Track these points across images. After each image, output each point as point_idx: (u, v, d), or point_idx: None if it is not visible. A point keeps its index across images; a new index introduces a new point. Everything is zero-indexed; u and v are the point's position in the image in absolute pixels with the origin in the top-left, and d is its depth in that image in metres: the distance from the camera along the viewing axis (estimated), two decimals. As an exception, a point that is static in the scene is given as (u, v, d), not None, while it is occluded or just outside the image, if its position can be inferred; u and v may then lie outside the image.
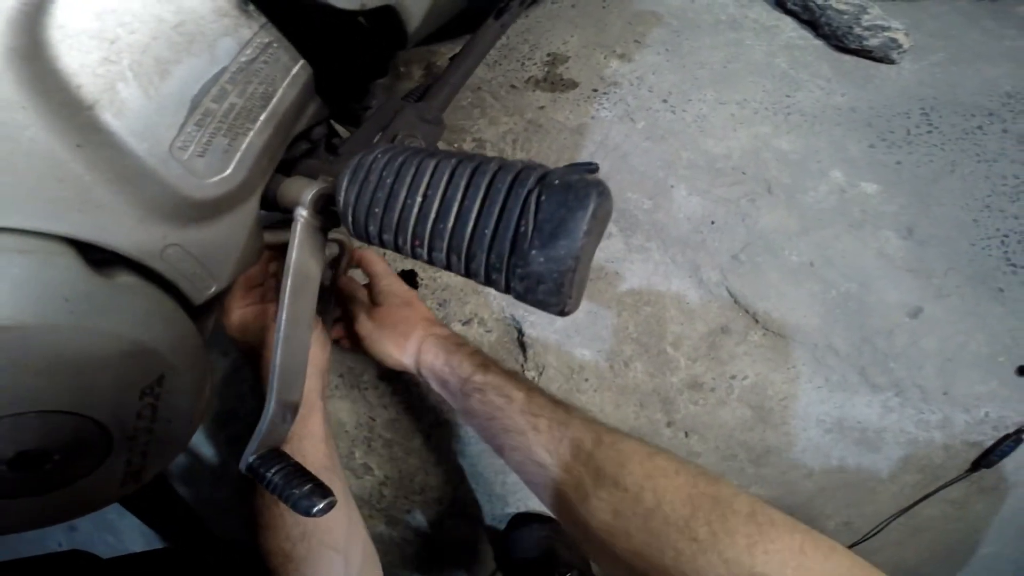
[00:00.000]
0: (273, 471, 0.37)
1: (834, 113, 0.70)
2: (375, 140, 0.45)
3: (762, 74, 0.74)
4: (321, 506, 0.37)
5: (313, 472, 0.47)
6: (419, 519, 0.74)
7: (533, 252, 0.23)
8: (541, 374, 0.69)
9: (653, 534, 0.33)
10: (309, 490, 0.37)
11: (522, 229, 0.23)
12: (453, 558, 0.76)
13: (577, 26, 0.84)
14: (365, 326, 0.54)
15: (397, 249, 0.29)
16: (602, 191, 0.23)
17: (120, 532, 0.86)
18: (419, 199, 0.27)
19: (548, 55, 0.82)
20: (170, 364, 0.32)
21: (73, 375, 0.28)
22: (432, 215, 0.26)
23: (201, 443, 0.79)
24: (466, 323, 0.71)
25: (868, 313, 0.61)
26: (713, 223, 0.65)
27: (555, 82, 0.79)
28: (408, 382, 0.72)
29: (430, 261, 0.28)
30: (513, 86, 0.80)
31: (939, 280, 0.61)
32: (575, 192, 0.23)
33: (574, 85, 0.78)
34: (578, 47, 0.81)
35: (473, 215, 0.25)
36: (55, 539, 0.84)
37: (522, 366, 0.70)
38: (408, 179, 0.28)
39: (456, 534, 0.74)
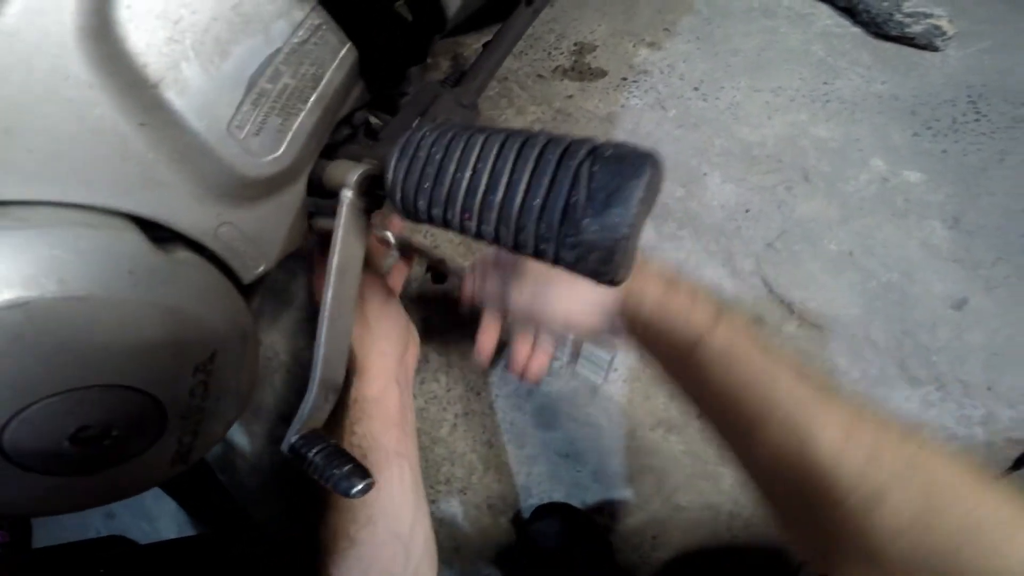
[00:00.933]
0: (314, 452, 0.38)
1: (875, 101, 0.68)
2: (414, 125, 0.46)
3: (798, 62, 0.72)
4: (360, 487, 0.37)
5: (383, 456, 0.46)
6: (444, 509, 0.75)
7: (586, 221, 0.23)
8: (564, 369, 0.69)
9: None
10: (349, 471, 0.37)
11: (574, 199, 0.23)
12: (477, 548, 0.76)
13: (604, 15, 0.83)
14: (524, 293, 0.43)
15: (445, 223, 0.29)
16: (655, 162, 0.23)
17: (155, 519, 0.89)
18: (468, 173, 0.27)
19: (575, 44, 0.81)
20: (223, 341, 0.33)
21: (134, 349, 0.29)
22: (482, 188, 0.27)
23: (235, 432, 0.81)
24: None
25: (910, 305, 0.60)
26: (748, 211, 0.64)
27: (583, 71, 0.79)
28: (437, 370, 0.72)
29: (478, 234, 0.28)
30: (540, 75, 0.80)
31: (987, 271, 0.59)
32: (629, 162, 0.23)
33: (603, 74, 0.78)
34: (606, 36, 0.81)
35: (523, 186, 0.25)
36: (94, 526, 0.87)
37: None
38: (457, 154, 0.28)
39: (480, 525, 0.74)
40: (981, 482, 0.27)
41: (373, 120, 0.50)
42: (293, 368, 0.78)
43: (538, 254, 0.26)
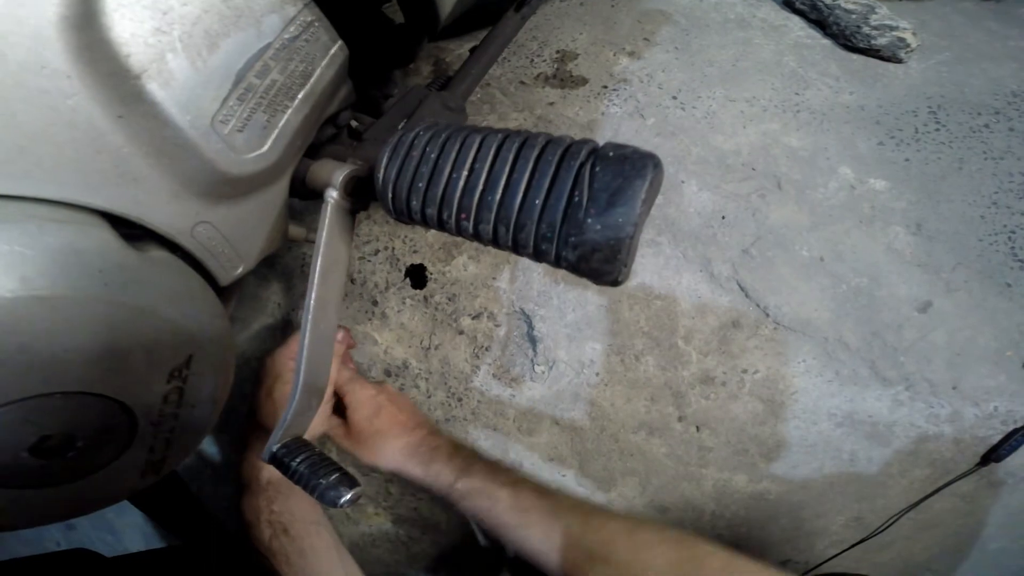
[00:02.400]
0: (298, 460, 0.36)
1: (843, 111, 0.71)
2: (399, 127, 0.45)
3: (771, 72, 0.75)
4: (348, 496, 0.36)
5: (303, 527, 0.53)
6: (425, 516, 0.73)
7: (589, 221, 0.23)
8: (551, 369, 0.69)
9: None
10: (336, 480, 0.36)
11: (576, 199, 0.23)
12: (459, 556, 0.75)
13: (586, 24, 0.84)
14: (343, 441, 0.58)
15: (440, 224, 0.28)
16: (657, 163, 0.23)
17: (119, 531, 0.84)
18: (465, 172, 0.27)
19: (557, 52, 0.82)
20: (199, 344, 0.31)
21: (103, 352, 0.28)
22: (479, 187, 0.26)
23: (205, 441, 0.77)
24: (475, 317, 0.71)
25: (878, 307, 0.62)
26: (724, 218, 0.66)
27: (564, 79, 0.80)
28: (416, 376, 0.71)
29: (475, 234, 0.27)
30: (522, 82, 0.80)
31: (948, 275, 0.62)
32: (632, 163, 0.23)
33: (584, 82, 0.79)
34: (587, 44, 0.82)
35: (523, 186, 0.25)
36: (53, 538, 0.81)
37: (532, 361, 0.70)
38: (453, 153, 0.28)
39: (462, 532, 0.73)
40: None
41: (354, 122, 0.49)
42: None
43: (538, 254, 0.25)
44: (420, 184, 0.28)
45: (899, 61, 0.73)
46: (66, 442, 0.29)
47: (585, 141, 0.25)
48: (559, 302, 0.67)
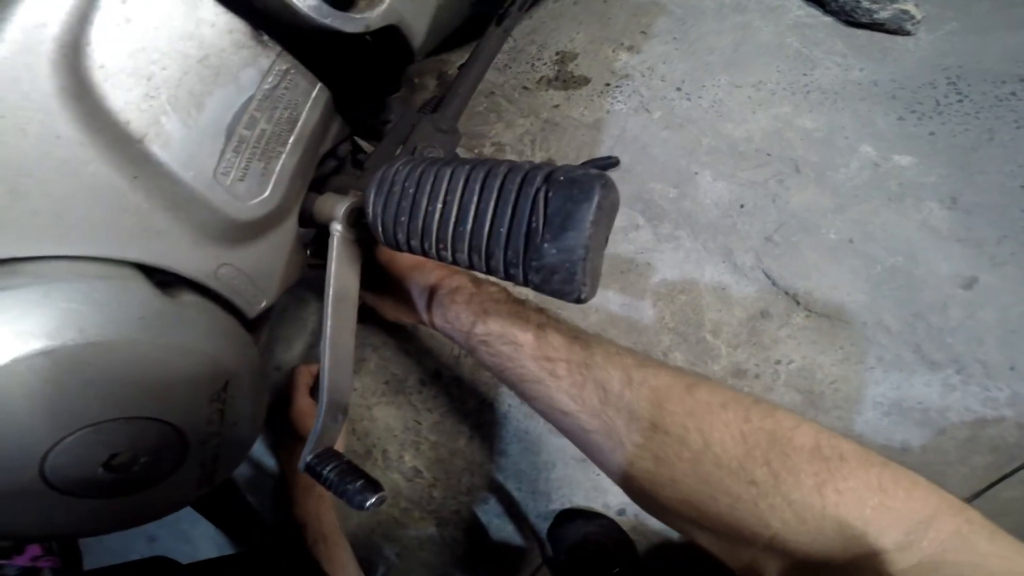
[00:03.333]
0: (328, 469, 0.40)
1: (855, 88, 0.67)
2: (396, 153, 0.48)
3: (774, 55, 0.72)
4: (373, 500, 0.39)
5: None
6: (467, 519, 0.76)
7: (545, 245, 0.24)
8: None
9: (703, 480, 0.29)
10: (362, 486, 0.39)
11: (534, 225, 0.25)
12: (501, 557, 0.77)
13: (581, 23, 0.84)
14: (367, 296, 0.52)
15: (424, 253, 0.31)
16: (605, 183, 0.24)
17: (195, 541, 0.93)
18: (439, 205, 0.29)
19: (557, 54, 0.83)
20: (233, 372, 0.35)
21: (151, 384, 0.32)
22: (452, 219, 0.28)
23: (262, 453, 0.84)
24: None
25: (918, 287, 0.59)
26: (743, 207, 0.64)
27: (567, 80, 0.80)
28: (449, 384, 0.74)
29: (454, 262, 0.29)
30: (526, 87, 0.82)
31: (992, 248, 0.57)
32: (579, 186, 0.24)
33: (586, 81, 0.79)
34: (585, 43, 0.82)
35: (489, 216, 0.27)
36: (137, 549, 0.91)
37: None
38: (428, 187, 0.30)
39: (503, 533, 0.75)
40: None
41: (362, 147, 0.52)
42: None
43: (509, 277, 0.27)
44: (403, 218, 0.31)
45: (907, 33, 0.69)
46: (132, 459, 0.34)
47: (541, 167, 0.26)
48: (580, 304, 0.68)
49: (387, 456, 0.79)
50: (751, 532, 0.28)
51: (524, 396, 0.39)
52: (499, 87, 0.81)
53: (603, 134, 0.73)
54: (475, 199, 0.28)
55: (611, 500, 0.71)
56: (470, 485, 0.76)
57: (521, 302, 0.42)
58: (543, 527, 0.73)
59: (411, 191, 0.31)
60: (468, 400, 0.73)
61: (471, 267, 0.29)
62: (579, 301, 0.25)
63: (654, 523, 0.69)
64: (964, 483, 0.64)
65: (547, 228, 0.24)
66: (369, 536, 0.80)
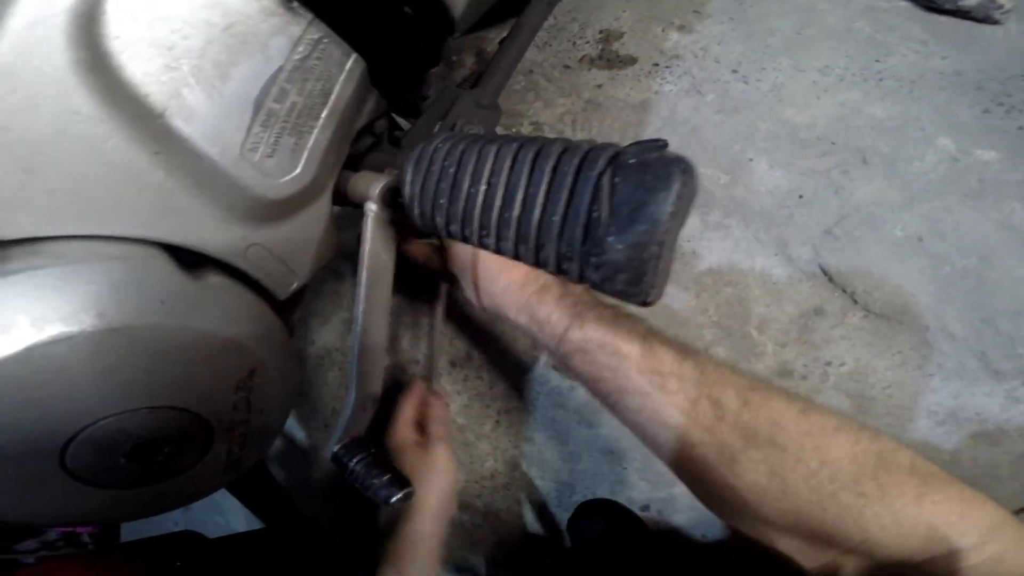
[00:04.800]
0: (355, 460, 0.38)
1: (935, 77, 0.61)
2: (435, 129, 0.45)
3: (842, 39, 0.66)
4: (399, 496, 0.37)
5: None
6: (487, 504, 0.75)
7: (610, 239, 0.21)
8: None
9: (815, 491, 0.32)
10: (388, 480, 0.38)
11: (595, 214, 0.21)
12: (518, 544, 0.76)
13: (628, 1, 0.79)
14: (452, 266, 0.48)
15: (465, 240, 0.28)
16: (686, 168, 0.21)
17: (227, 512, 0.95)
18: (483, 187, 0.26)
19: (600, 32, 0.78)
20: (260, 359, 0.33)
21: (174, 372, 0.30)
22: (497, 204, 0.25)
23: (294, 427, 0.84)
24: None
25: (990, 292, 0.54)
26: (801, 197, 0.59)
27: (611, 59, 0.75)
28: (479, 367, 0.72)
29: (498, 251, 0.27)
30: (567, 66, 0.77)
31: (1083, 254, 0.52)
32: (655, 171, 0.20)
33: (632, 61, 0.74)
34: (632, 22, 0.77)
35: (539, 202, 0.24)
36: (172, 518, 0.94)
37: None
38: (470, 167, 0.27)
39: (522, 521, 0.74)
40: None
41: (399, 124, 0.49)
42: (344, 365, 0.80)
43: (561, 272, 0.24)
44: (442, 200, 0.28)
45: (995, 22, 0.62)
46: (155, 448, 0.33)
47: (604, 147, 0.23)
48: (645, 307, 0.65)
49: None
50: (844, 536, 0.32)
51: (619, 406, 0.39)
52: (538, 65, 0.77)
53: (650, 115, 0.68)
54: (523, 182, 0.24)
55: (636, 495, 0.69)
56: (492, 471, 0.75)
57: (614, 306, 0.40)
58: (563, 518, 0.72)
59: (451, 171, 0.28)
60: (498, 384, 0.72)
61: (517, 258, 0.26)
62: (645, 304, 0.22)
63: (678, 519, 0.67)
64: (1013, 498, 0.60)
65: (612, 219, 0.21)
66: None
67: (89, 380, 0.28)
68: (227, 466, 0.38)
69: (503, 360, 0.71)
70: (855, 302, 0.58)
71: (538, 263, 0.25)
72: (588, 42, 0.77)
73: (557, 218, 0.23)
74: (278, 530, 0.78)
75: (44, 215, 0.26)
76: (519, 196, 0.24)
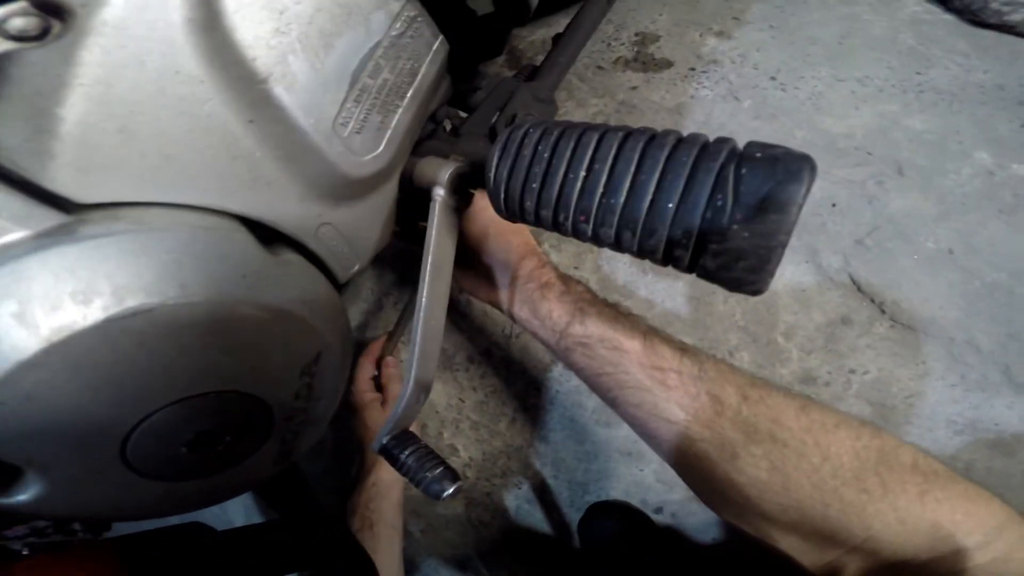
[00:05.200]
0: (407, 453, 0.37)
1: (976, 91, 0.63)
2: (493, 120, 0.45)
3: (885, 50, 0.67)
4: (451, 491, 0.37)
5: (384, 528, 0.57)
6: (497, 502, 0.75)
7: (735, 227, 0.21)
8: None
9: (817, 487, 0.32)
10: (440, 474, 0.37)
11: (719, 203, 0.22)
12: (528, 543, 0.76)
13: (665, 4, 0.80)
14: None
15: (556, 226, 0.28)
16: (814, 166, 0.21)
17: (224, 503, 0.92)
18: (583, 173, 0.26)
19: (636, 35, 0.78)
20: (327, 342, 0.33)
21: (249, 353, 0.29)
22: (600, 189, 0.25)
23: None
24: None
25: (1019, 306, 0.55)
26: (835, 206, 0.61)
27: (647, 62, 0.76)
28: (498, 364, 0.72)
29: (595, 238, 0.26)
30: (600, 67, 0.78)
31: (1109, 270, 0.54)
32: (785, 165, 0.21)
33: (668, 64, 0.75)
34: (669, 25, 0.78)
35: (651, 188, 0.24)
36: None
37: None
38: (568, 153, 0.27)
39: (532, 519, 0.74)
40: None
41: (448, 117, 0.48)
42: (358, 356, 0.79)
43: (668, 259, 0.24)
44: (534, 185, 0.28)
45: None
46: (217, 438, 0.31)
47: (723, 140, 0.23)
48: (647, 292, 0.65)
49: (426, 431, 0.77)
50: (848, 534, 0.31)
51: (620, 401, 0.39)
52: (572, 64, 0.78)
53: (685, 119, 0.69)
54: (632, 168, 0.24)
55: (650, 497, 0.69)
56: (505, 468, 0.74)
57: (615, 305, 0.42)
58: (575, 518, 0.71)
59: (546, 156, 0.28)
60: (516, 382, 0.71)
61: (616, 244, 0.26)
62: (756, 293, 0.22)
63: (691, 523, 0.68)
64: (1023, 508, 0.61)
65: (738, 208, 0.21)
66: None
67: (164, 359, 0.26)
68: (279, 455, 0.36)
69: (521, 357, 0.70)
70: (883, 312, 0.59)
71: (642, 250, 0.25)
72: (623, 44, 0.77)
73: (672, 205, 0.23)
74: (294, 523, 0.76)
75: (132, 179, 0.25)
76: (626, 182, 0.24)
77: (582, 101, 0.75)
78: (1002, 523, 0.30)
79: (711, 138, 0.23)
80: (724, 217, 0.21)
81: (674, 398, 0.36)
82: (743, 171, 0.21)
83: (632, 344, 0.37)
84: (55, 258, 0.24)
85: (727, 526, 0.65)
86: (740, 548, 0.64)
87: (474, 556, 0.80)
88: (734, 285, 0.22)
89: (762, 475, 0.33)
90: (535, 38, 0.84)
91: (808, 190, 0.21)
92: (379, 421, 0.58)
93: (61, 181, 0.24)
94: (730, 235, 0.21)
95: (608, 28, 0.80)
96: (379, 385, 0.70)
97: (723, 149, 0.22)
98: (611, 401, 0.40)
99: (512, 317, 0.44)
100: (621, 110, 0.73)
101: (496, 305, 0.46)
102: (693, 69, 0.72)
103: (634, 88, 0.74)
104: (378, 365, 0.71)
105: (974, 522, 0.30)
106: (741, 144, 0.23)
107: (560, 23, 0.60)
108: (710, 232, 0.22)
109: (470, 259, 0.45)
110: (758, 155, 0.21)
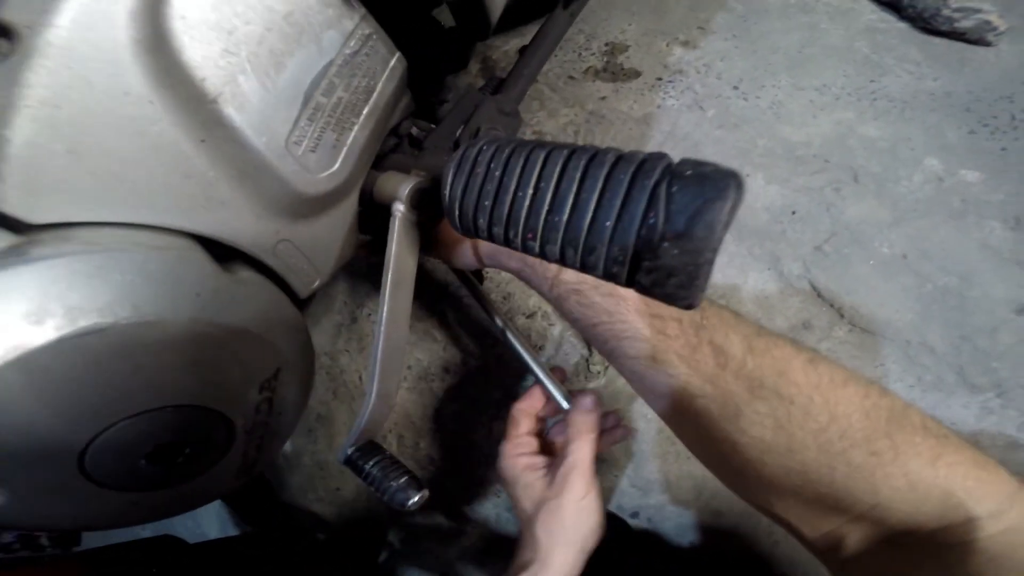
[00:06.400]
0: (371, 463, 0.38)
1: (927, 98, 0.65)
2: (457, 134, 0.45)
3: (842, 59, 0.70)
4: (416, 499, 0.37)
5: None
6: (478, 512, 0.75)
7: (665, 244, 0.22)
8: (607, 368, 0.68)
9: (823, 449, 0.30)
10: (405, 483, 0.37)
11: (651, 221, 0.22)
12: (507, 552, 0.76)
13: (634, 14, 0.82)
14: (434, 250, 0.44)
15: (507, 242, 0.28)
16: (740, 183, 0.22)
17: (198, 516, 0.91)
18: (530, 191, 0.27)
19: (606, 44, 0.80)
20: (285, 358, 0.33)
21: (204, 369, 0.30)
22: (545, 207, 0.26)
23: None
24: (530, 316, 0.71)
25: (969, 309, 0.57)
26: (794, 213, 0.62)
27: (616, 72, 0.77)
28: (475, 373, 0.72)
29: (542, 254, 0.27)
30: (571, 77, 0.79)
31: (1052, 273, 0.56)
32: (712, 182, 0.22)
33: (636, 74, 0.76)
34: (637, 35, 0.79)
35: (591, 206, 0.24)
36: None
37: (587, 360, 0.70)
38: (517, 171, 0.27)
39: (511, 527, 0.74)
40: None
41: (415, 129, 0.49)
42: (332, 369, 0.79)
43: (609, 277, 0.25)
44: (486, 202, 0.28)
45: (987, 44, 0.66)
46: (176, 450, 0.32)
47: (659, 156, 0.24)
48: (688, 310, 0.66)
49: (403, 442, 0.78)
50: (853, 500, 0.29)
51: (616, 353, 0.36)
52: (543, 75, 0.79)
53: (652, 129, 0.71)
54: (575, 186, 0.25)
55: (625, 502, 0.70)
56: (483, 478, 0.74)
57: None
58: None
59: (497, 173, 0.28)
60: (494, 392, 0.72)
61: (561, 261, 0.27)
62: (689, 307, 0.23)
63: (668, 527, 0.69)
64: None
65: (668, 226, 0.22)
66: (374, 519, 0.79)
67: (118, 376, 0.27)
68: (241, 469, 0.37)
69: (499, 366, 0.71)
70: (841, 316, 0.61)
71: (584, 267, 0.26)
72: (594, 54, 0.79)
73: (610, 223, 0.24)
74: (268, 535, 0.75)
75: (83, 200, 0.25)
76: (569, 200, 0.25)
77: (553, 112, 0.77)
78: (1013, 492, 0.28)
79: (650, 153, 0.24)
80: (656, 235, 0.22)
81: (674, 348, 0.33)
82: (674, 189, 0.22)
83: (629, 290, 0.32)
84: (6, 279, 0.24)
85: (704, 529, 0.67)
86: (723, 549, 0.65)
87: (454, 565, 0.80)
88: (668, 300, 0.23)
89: (766, 435, 0.31)
90: (509, 48, 0.85)
91: (735, 207, 0.22)
92: (547, 507, 0.42)
93: (10, 202, 0.24)
94: (661, 252, 0.22)
95: (579, 38, 0.82)
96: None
97: (657, 167, 0.23)
98: (608, 353, 0.37)
99: (507, 270, 0.40)
100: (591, 120, 0.74)
101: (493, 263, 0.41)
102: (660, 79, 0.74)
103: (603, 98, 0.75)
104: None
105: (985, 490, 0.28)
106: (678, 159, 0.24)
107: (532, 34, 0.61)
108: (644, 249, 0.23)
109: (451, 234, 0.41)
110: (688, 173, 0.22)
